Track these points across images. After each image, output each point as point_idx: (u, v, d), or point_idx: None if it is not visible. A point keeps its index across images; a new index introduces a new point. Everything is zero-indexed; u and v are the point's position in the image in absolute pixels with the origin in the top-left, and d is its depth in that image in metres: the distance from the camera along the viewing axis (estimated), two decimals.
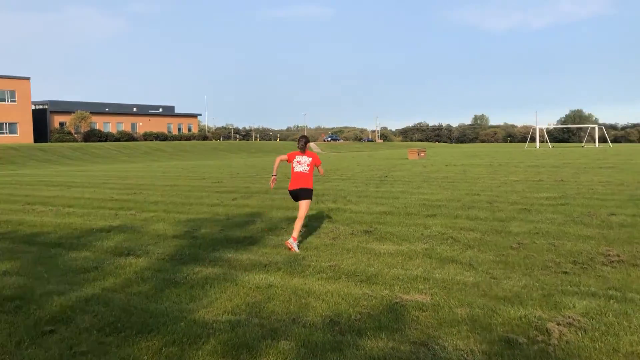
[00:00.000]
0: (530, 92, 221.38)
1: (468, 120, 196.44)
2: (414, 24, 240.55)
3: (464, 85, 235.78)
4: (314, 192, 8.13)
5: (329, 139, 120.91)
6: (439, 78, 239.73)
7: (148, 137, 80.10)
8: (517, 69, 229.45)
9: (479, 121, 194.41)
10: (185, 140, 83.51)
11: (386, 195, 13.34)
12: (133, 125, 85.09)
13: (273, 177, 8.14)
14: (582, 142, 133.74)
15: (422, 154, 35.27)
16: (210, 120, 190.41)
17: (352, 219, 9.70)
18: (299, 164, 7.76)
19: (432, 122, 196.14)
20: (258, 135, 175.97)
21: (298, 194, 7.75)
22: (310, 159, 7.83)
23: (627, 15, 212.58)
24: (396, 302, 4.81)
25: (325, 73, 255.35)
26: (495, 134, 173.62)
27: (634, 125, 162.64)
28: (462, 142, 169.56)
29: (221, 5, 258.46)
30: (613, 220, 8.72)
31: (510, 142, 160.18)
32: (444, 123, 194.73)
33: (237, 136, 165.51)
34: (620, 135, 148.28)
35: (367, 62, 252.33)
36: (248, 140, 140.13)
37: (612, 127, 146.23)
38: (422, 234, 8.07)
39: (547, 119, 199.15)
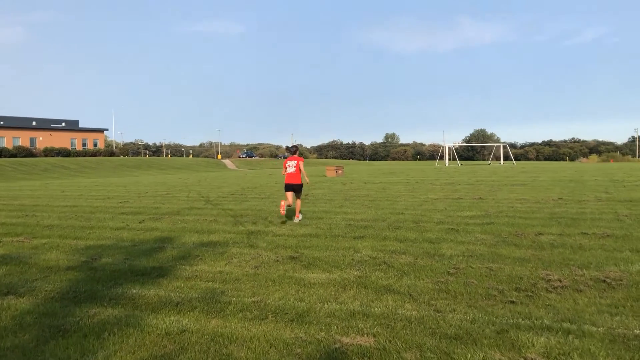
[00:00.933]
0: (437, 112, 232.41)
1: (380, 139, 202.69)
2: (327, 44, 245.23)
3: (375, 105, 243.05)
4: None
5: (244, 155, 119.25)
6: (352, 97, 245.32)
7: (49, 152, 74.54)
8: (425, 90, 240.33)
9: (390, 139, 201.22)
10: (91, 156, 78.62)
11: (309, 215, 12.67)
12: (32, 140, 79.14)
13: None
14: (485, 159, 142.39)
15: (340, 172, 35.20)
16: (118, 136, 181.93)
17: (275, 243, 8.91)
18: (289, 167, 11.76)
19: (346, 140, 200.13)
20: (169, 152, 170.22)
21: (293, 188, 11.70)
22: (296, 162, 11.71)
23: (525, 41, 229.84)
24: (336, 348, 4.09)
25: (239, 89, 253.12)
26: (405, 151, 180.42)
27: (532, 144, 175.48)
28: (374, 159, 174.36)
29: (132, 16, 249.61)
30: (543, 240, 8.59)
31: (420, 159, 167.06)
32: (357, 141, 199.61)
33: (147, 152, 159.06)
34: (520, 153, 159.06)
35: (282, 80, 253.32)
36: (159, 156, 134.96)
37: (512, 146, 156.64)
38: (352, 259, 7.44)
39: (453, 138, 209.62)
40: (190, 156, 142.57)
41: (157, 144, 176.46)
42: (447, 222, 11.07)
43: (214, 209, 14.72)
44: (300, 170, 11.72)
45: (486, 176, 29.43)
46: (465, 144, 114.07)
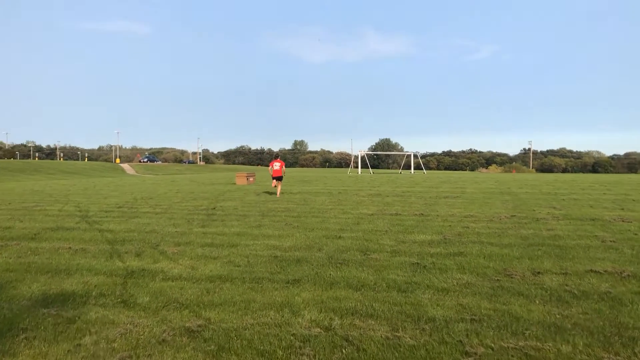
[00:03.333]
0: (344, 120, 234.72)
1: (288, 145, 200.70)
2: (235, 49, 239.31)
3: (284, 111, 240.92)
4: None
5: (146, 159, 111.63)
6: (260, 103, 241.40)
7: None
8: (332, 99, 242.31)
9: (298, 146, 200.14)
10: None
11: (218, 240, 9.49)
12: None
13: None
14: (390, 168, 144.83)
15: (252, 179, 31.92)
16: (3, 136, 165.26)
17: (165, 297, 5.70)
18: (275, 165, 19.89)
19: (254, 145, 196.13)
20: (63, 154, 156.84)
21: (277, 179, 19.83)
22: (279, 164, 19.90)
23: (427, 55, 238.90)
24: None
25: (144, 91, 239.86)
26: (314, 159, 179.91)
27: (432, 154, 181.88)
28: None
29: (28, 11, 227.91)
30: (551, 285, 6.09)
31: (328, 167, 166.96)
32: (266, 147, 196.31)
33: (38, 155, 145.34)
34: (422, 162, 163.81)
35: (188, 83, 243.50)
36: (53, 159, 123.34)
37: (414, 156, 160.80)
38: (292, 336, 4.45)
39: (359, 146, 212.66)
40: (86, 159, 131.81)
41: (52, 146, 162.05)
42: (404, 251, 8.38)
43: (88, 230, 11.03)
44: (282, 168, 20.24)
45: (409, 186, 27.59)
46: (373, 153, 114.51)
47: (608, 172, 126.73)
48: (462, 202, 17.26)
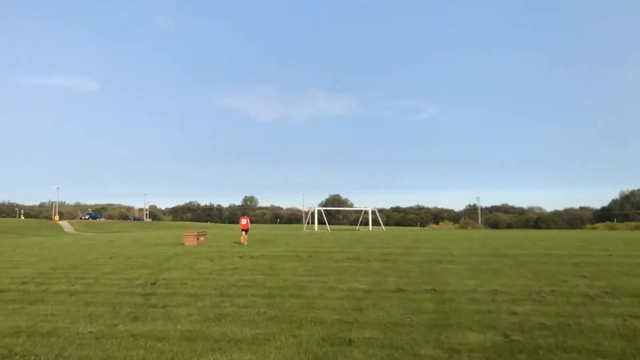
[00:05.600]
0: (293, 177, 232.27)
1: (238, 201, 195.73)
2: (181, 106, 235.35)
3: (233, 168, 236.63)
4: None
5: (87, 216, 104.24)
6: (208, 159, 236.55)
7: None
8: (281, 156, 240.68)
9: (248, 202, 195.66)
10: None
11: (154, 354, 5.83)
12: None
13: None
14: (340, 223, 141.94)
15: (202, 239, 27.91)
16: None
17: None
18: (244, 219, 27.56)
19: (203, 201, 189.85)
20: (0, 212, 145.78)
21: (245, 231, 27.09)
22: (246, 220, 27.54)
23: (373, 115, 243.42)
24: None
25: (87, 146, 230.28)
26: (264, 214, 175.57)
27: (381, 210, 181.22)
28: (232, 222, 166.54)
29: None
30: None
31: (279, 222, 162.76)
32: (215, 203, 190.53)
33: None
34: (372, 218, 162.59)
35: (135, 139, 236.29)
36: None
37: (372, 212, 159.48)
38: None
39: (309, 202, 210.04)
40: (22, 217, 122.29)
41: None
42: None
43: None
44: (248, 222, 27.61)
45: (382, 246, 24.38)
46: (329, 208, 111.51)
47: (550, 228, 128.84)
48: (464, 269, 14.11)
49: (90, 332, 6.84)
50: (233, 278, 12.30)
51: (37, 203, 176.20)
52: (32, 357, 5.72)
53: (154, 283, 11.48)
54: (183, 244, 26.96)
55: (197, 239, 27.23)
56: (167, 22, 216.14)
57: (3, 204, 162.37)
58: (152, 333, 6.80)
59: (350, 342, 6.32)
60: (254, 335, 6.64)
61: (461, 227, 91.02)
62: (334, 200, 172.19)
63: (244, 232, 27.06)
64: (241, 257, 17.75)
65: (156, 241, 31.22)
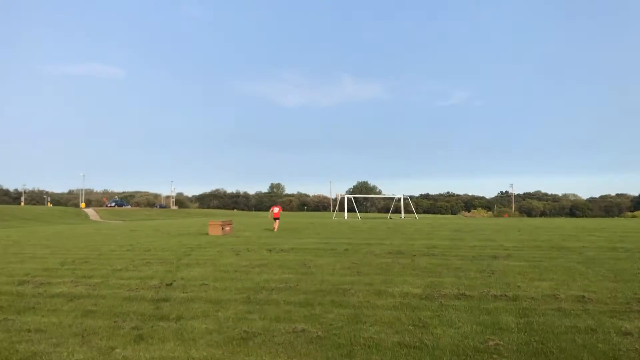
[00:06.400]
0: (320, 164, 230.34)
1: (265, 188, 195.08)
2: (209, 93, 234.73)
3: (260, 155, 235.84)
4: None
5: (113, 204, 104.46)
6: (235, 146, 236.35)
7: None
8: (308, 142, 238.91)
9: (275, 189, 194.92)
10: None
11: None
12: None
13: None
14: (368, 211, 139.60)
15: (228, 228, 26.40)
16: None
17: None
18: (275, 208, 28.83)
19: (230, 189, 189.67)
20: (24, 199, 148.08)
21: (276, 219, 28.21)
22: (278, 208, 28.88)
23: (402, 100, 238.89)
24: None
25: (117, 134, 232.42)
26: (291, 202, 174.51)
27: (410, 197, 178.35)
28: (259, 209, 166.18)
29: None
30: None
31: (306, 210, 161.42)
32: (242, 190, 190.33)
33: (4, 199, 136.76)
34: (400, 206, 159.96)
35: (164, 127, 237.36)
36: (18, 204, 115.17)
37: (390, 199, 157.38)
38: None
39: (336, 190, 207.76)
40: (49, 204, 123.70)
41: (19, 190, 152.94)
42: None
43: None
44: (280, 211, 28.89)
45: (422, 237, 22.42)
46: (358, 196, 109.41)
47: (586, 216, 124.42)
48: (528, 267, 12.10)
49: None
50: (261, 278, 10.58)
51: (66, 190, 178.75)
52: None
53: (170, 284, 9.84)
54: (207, 233, 25.48)
55: (222, 228, 25.70)
56: (192, 8, 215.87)
57: (33, 192, 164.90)
58: (156, 356, 5.11)
59: None
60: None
61: (496, 216, 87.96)
62: (362, 187, 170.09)
63: (275, 221, 28.59)
64: (270, 251, 16.05)
65: (179, 230, 29.86)
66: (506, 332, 6.26)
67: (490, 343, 5.75)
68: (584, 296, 8.51)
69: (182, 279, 10.52)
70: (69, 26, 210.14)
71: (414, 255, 14.54)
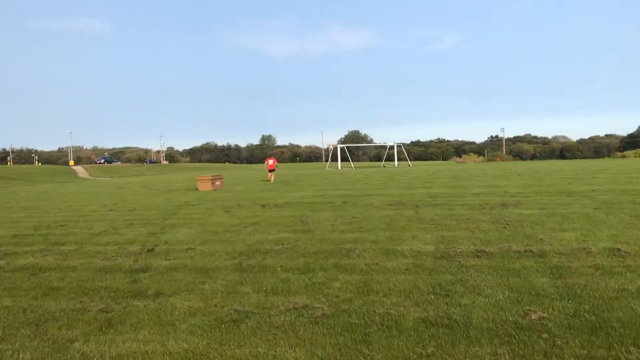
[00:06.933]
0: (311, 114, 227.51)
1: (256, 140, 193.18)
2: (196, 45, 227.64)
3: (250, 106, 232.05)
4: None
5: (102, 160, 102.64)
6: (225, 98, 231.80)
7: None
8: (298, 93, 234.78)
9: (266, 141, 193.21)
10: None
11: None
12: None
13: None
14: (360, 160, 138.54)
15: (218, 183, 25.27)
16: None
17: None
18: (270, 160, 30.57)
19: (221, 142, 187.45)
20: (18, 158, 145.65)
21: (272, 171, 29.76)
22: (273, 160, 30.43)
23: (390, 47, 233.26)
24: None
25: (106, 89, 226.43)
26: (283, 153, 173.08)
27: (402, 144, 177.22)
28: (251, 162, 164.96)
29: None
30: None
31: (298, 161, 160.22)
32: (232, 143, 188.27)
33: None
34: (391, 153, 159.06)
35: (150, 80, 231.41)
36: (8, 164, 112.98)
37: (382, 147, 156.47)
38: None
39: (328, 140, 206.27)
40: (37, 163, 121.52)
41: (6, 149, 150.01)
42: None
43: None
44: (275, 163, 30.19)
45: (421, 185, 21.42)
46: (351, 145, 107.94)
47: (576, 157, 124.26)
48: (544, 215, 11.12)
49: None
50: (254, 238, 9.53)
51: (55, 149, 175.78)
52: None
53: (152, 249, 8.76)
54: (197, 189, 24.37)
55: (213, 183, 24.58)
56: None
57: (21, 151, 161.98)
58: (127, 355, 4.07)
59: None
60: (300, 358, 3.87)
61: (489, 160, 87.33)
62: (354, 136, 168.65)
63: (270, 173, 30.19)
64: (263, 207, 14.99)
65: (168, 186, 28.71)
66: (546, 300, 5.27)
67: (533, 316, 4.75)
68: (618, 249, 7.53)
69: (165, 242, 9.45)
70: None
71: (417, 206, 13.54)
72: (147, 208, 15.87)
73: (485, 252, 7.71)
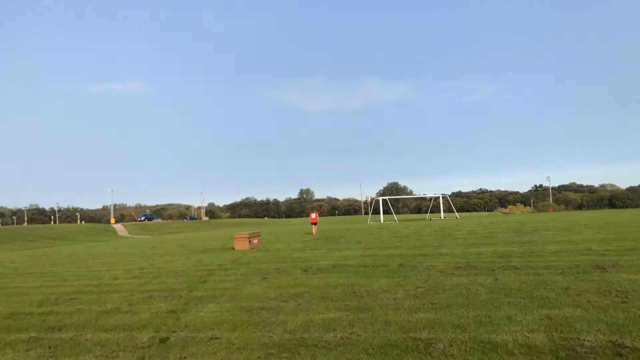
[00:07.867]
0: (348, 167, 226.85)
1: (294, 194, 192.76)
2: (235, 103, 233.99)
3: (288, 161, 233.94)
4: None
5: (143, 218, 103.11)
6: (263, 154, 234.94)
7: None
8: (335, 146, 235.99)
9: (304, 195, 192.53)
10: None
11: None
12: None
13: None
14: (400, 212, 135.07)
15: (256, 241, 23.41)
16: (4, 201, 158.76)
17: None
18: (313, 215, 31.80)
19: (260, 196, 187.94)
20: (64, 217, 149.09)
21: (314, 224, 31.14)
22: (315, 214, 31.94)
23: (427, 99, 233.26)
24: None
25: (148, 149, 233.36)
26: (321, 206, 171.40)
27: (443, 196, 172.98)
28: (290, 216, 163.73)
29: (33, 77, 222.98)
30: None
31: (337, 214, 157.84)
32: (272, 197, 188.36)
33: (40, 218, 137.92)
34: (434, 205, 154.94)
35: (192, 139, 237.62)
36: (52, 223, 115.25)
37: (423, 199, 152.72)
38: None
39: (366, 192, 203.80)
40: (79, 222, 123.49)
41: (54, 208, 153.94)
42: None
43: None
44: (317, 218, 31.70)
45: (484, 242, 18.92)
46: (392, 197, 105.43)
47: (627, 206, 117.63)
48: None
49: None
50: (297, 320, 7.41)
51: (100, 207, 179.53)
52: None
53: (166, 340, 6.75)
54: (233, 248, 22.51)
55: (250, 242, 22.69)
56: (213, 21, 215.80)
57: (67, 210, 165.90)
58: None
59: None
60: None
61: (540, 210, 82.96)
62: (393, 188, 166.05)
63: (314, 226, 31.52)
64: (305, 271, 12.88)
65: (204, 245, 26.98)
66: None
67: None
68: None
69: (186, 326, 7.44)
70: (96, 46, 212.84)
71: (492, 270, 11.17)
72: (174, 274, 14.00)
73: (624, 346, 5.38)
